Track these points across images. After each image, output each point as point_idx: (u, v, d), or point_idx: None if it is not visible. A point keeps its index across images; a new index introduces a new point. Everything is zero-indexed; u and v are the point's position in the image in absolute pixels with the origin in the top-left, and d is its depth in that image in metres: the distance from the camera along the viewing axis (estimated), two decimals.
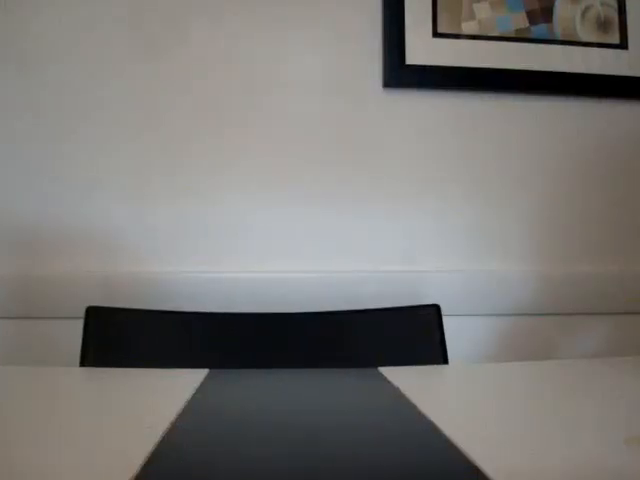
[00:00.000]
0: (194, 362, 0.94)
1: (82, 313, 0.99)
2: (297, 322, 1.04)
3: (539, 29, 1.29)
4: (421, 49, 1.25)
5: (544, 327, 1.27)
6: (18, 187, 1.19)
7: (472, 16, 1.27)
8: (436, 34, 1.26)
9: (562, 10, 1.30)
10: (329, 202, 1.25)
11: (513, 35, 1.28)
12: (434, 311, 1.03)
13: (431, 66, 1.26)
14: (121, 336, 1.00)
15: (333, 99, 1.26)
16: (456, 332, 1.20)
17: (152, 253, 1.21)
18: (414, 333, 1.03)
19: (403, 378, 0.69)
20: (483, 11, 1.27)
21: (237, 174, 1.24)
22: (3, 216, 1.19)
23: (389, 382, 0.68)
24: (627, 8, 1.31)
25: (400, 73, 1.25)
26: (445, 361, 0.99)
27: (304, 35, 1.26)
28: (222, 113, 1.24)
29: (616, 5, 1.31)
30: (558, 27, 1.29)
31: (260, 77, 1.25)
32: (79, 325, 0.98)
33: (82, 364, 0.95)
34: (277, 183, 1.24)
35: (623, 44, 1.31)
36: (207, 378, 0.71)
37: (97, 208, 1.21)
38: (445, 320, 1.03)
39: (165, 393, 0.65)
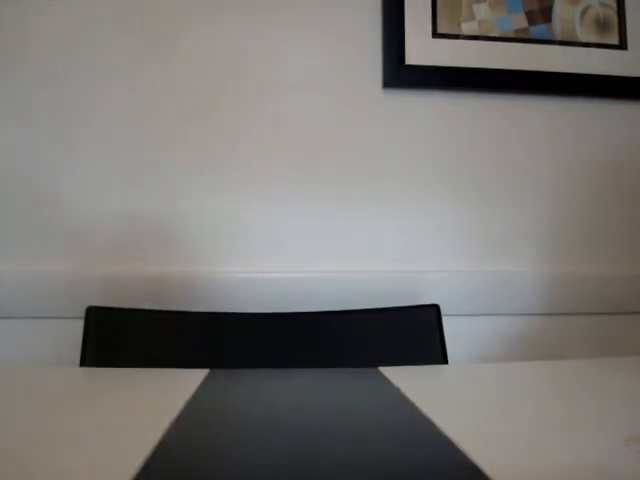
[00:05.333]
0: (194, 362, 0.95)
1: (82, 313, 0.99)
2: (297, 322, 1.04)
3: (538, 29, 1.29)
4: (421, 49, 1.25)
5: (544, 327, 1.27)
6: (18, 186, 1.20)
7: (472, 16, 1.27)
8: (436, 34, 1.26)
9: (561, 10, 1.30)
10: (329, 202, 1.25)
11: (512, 35, 1.28)
12: (434, 311, 1.03)
13: (431, 66, 1.26)
14: (121, 336, 1.00)
15: (333, 99, 1.26)
16: (456, 332, 1.20)
17: (152, 253, 1.21)
18: (414, 333, 1.03)
19: (403, 378, 0.69)
20: (482, 11, 1.28)
21: (233, 174, 1.24)
22: (3, 215, 1.19)
23: (389, 382, 0.68)
24: (626, 8, 1.31)
25: (400, 73, 1.25)
26: (445, 361, 0.99)
27: (304, 35, 1.26)
28: (219, 113, 1.24)
29: (615, 5, 1.31)
30: (557, 27, 1.30)
31: (260, 77, 1.25)
32: (79, 325, 0.98)
33: (82, 364, 0.95)
34: (275, 183, 1.24)
35: (622, 44, 1.31)
36: (207, 378, 0.71)
37: (98, 207, 1.20)
38: (445, 320, 1.03)
39: (165, 393, 0.65)
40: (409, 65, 1.25)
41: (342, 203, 1.26)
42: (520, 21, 1.29)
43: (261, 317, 1.05)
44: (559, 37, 1.29)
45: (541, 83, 1.29)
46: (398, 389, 0.64)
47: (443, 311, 1.03)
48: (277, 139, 1.25)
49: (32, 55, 1.20)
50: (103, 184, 1.21)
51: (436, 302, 1.04)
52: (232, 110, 1.24)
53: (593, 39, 1.30)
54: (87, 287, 1.17)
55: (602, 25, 1.31)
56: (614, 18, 1.31)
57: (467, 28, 1.27)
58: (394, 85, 1.27)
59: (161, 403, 0.59)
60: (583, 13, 1.30)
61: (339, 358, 1.02)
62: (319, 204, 1.25)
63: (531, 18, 1.29)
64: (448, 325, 1.04)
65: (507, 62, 1.27)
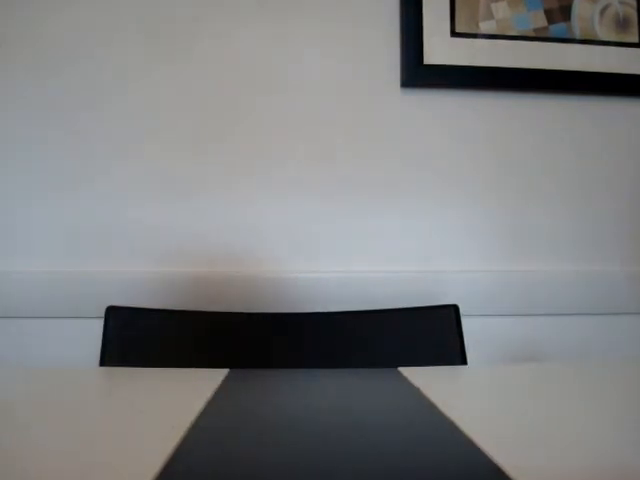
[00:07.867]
0: (214, 362, 0.95)
1: (102, 313, 1.00)
2: (315, 322, 1.04)
3: (557, 28, 1.28)
4: (439, 49, 1.25)
5: (563, 327, 1.26)
6: (33, 188, 1.21)
7: (490, 15, 1.27)
8: (454, 34, 1.26)
9: (581, 9, 1.29)
10: (346, 201, 1.25)
11: (531, 34, 1.28)
12: (453, 311, 1.02)
13: (449, 66, 1.25)
14: (141, 336, 1.01)
15: (351, 98, 1.26)
16: (475, 333, 1.20)
17: (165, 253, 1.22)
18: (433, 333, 1.03)
19: (423, 378, 0.69)
20: (501, 10, 1.27)
21: (251, 173, 1.24)
22: (28, 218, 1.20)
23: (409, 382, 0.68)
24: None
25: (418, 73, 1.25)
26: (464, 362, 0.99)
27: (321, 34, 1.26)
28: (235, 115, 1.24)
29: (635, 3, 1.30)
30: (577, 26, 1.29)
31: (277, 78, 1.25)
32: (99, 325, 0.99)
33: (102, 364, 0.95)
34: (293, 183, 1.25)
35: None
36: (227, 378, 0.71)
37: (116, 208, 1.21)
38: (464, 320, 1.02)
39: (185, 393, 0.65)
40: (427, 64, 1.24)
41: (358, 204, 1.25)
42: (539, 20, 1.28)
43: (279, 317, 1.05)
44: (578, 36, 1.29)
45: (560, 82, 1.28)
46: (418, 389, 0.64)
47: (462, 311, 1.02)
48: (293, 139, 1.25)
49: (48, 56, 1.21)
50: (118, 185, 1.22)
51: (455, 302, 1.04)
52: (249, 111, 1.25)
53: (613, 37, 1.29)
54: (107, 287, 1.18)
55: (622, 23, 1.30)
56: (634, 16, 1.30)
57: (485, 27, 1.27)
58: (412, 84, 1.26)
59: (181, 403, 0.59)
60: (602, 11, 1.29)
61: (357, 358, 1.02)
62: (336, 203, 1.25)
63: (550, 17, 1.28)
64: (467, 325, 1.03)
65: (526, 61, 1.27)
